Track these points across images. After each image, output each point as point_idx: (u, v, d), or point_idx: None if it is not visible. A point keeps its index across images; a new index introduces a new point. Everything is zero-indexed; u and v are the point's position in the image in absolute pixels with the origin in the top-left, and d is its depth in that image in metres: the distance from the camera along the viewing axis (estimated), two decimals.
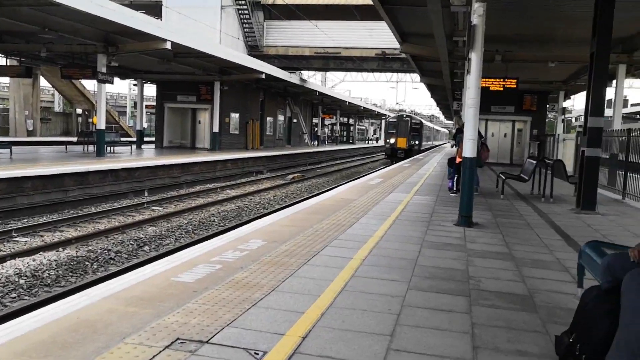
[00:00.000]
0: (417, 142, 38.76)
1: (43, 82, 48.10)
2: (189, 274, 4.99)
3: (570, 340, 3.23)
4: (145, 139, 36.37)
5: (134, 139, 32.92)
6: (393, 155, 37.90)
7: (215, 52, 24.12)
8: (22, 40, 20.90)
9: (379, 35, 34.33)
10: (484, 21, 8.31)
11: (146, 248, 11.41)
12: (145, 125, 46.28)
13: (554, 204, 12.37)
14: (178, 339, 3.45)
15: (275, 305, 4.21)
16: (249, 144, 36.02)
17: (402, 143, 38.06)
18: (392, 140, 38.42)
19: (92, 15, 16.59)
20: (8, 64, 22.52)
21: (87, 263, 9.84)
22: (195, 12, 32.48)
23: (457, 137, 13.96)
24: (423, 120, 44.50)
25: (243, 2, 35.07)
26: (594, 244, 4.36)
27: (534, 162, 13.58)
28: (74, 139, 27.00)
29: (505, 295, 4.86)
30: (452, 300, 4.61)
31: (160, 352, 3.24)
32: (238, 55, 27.62)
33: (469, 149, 8.50)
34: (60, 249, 10.65)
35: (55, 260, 9.70)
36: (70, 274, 9.19)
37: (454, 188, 13.45)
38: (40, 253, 10.10)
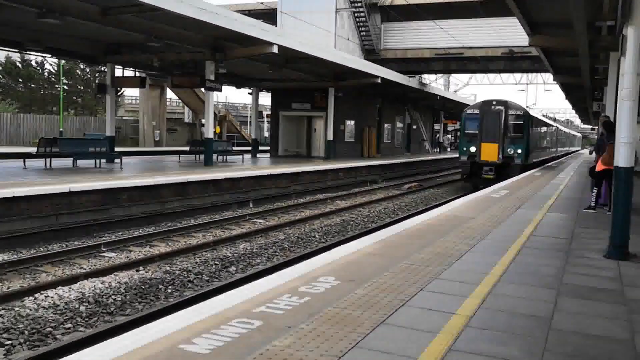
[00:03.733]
0: (519, 151, 22.91)
1: (170, 94, 50.20)
2: (208, 337, 3.51)
3: None
4: (263, 147, 36.27)
5: (249, 148, 32.73)
6: (474, 175, 23.32)
7: (325, 56, 22.95)
8: (137, 51, 21.04)
9: (505, 33, 31.45)
10: None
11: (232, 269, 10.25)
12: (266, 134, 46.59)
13: None
14: None
15: None
16: (365, 152, 34.55)
17: (490, 153, 22.82)
18: (472, 149, 23.16)
19: (195, 20, 16.00)
20: (125, 76, 22.90)
21: (161, 286, 8.79)
22: (310, 17, 31.67)
23: (598, 140, 11.46)
24: (531, 112, 27.12)
25: (359, 4, 33.75)
26: None
27: None
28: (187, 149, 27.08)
29: None
30: None
31: None
32: (351, 58, 26.29)
33: (623, 156, 6.33)
34: (141, 268, 9.76)
35: (125, 283, 8.75)
36: (139, 299, 8.17)
37: (595, 203, 10.98)
38: (115, 273, 9.24)
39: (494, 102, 23.32)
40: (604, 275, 5.64)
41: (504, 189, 14.94)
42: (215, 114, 49.87)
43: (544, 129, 32.34)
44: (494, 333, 3.82)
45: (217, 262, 10.48)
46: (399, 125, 41.68)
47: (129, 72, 23.56)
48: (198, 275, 9.62)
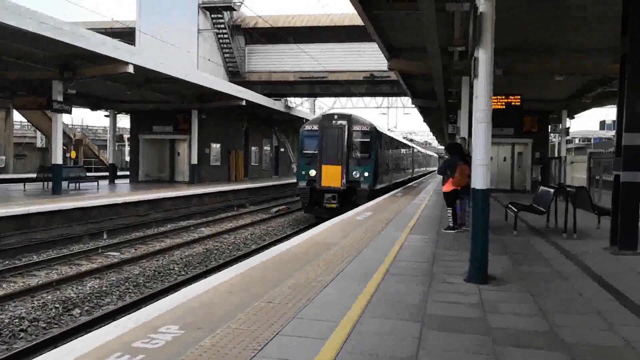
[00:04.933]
0: (366, 174, 19.71)
1: (20, 117, 46.07)
2: None
3: None
4: (125, 173, 34.20)
5: (107, 174, 30.65)
6: (316, 204, 19.83)
7: (187, 77, 22.07)
8: None
9: (367, 58, 32.44)
10: (494, 6, 6.22)
11: (76, 311, 9.10)
12: (127, 158, 44.13)
13: (579, 240, 10.16)
14: None
15: None
16: (232, 176, 33.81)
17: (332, 178, 19.43)
18: (311, 173, 19.66)
19: (35, 35, 14.53)
20: None
21: None
22: (171, 36, 30.54)
23: (446, 161, 11.80)
24: (379, 128, 22.96)
25: (222, 25, 33.15)
26: None
27: (550, 189, 11.40)
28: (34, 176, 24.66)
29: None
30: None
31: None
32: (213, 80, 25.57)
33: (480, 178, 6.30)
34: None
35: None
36: None
37: (453, 223, 11.23)
38: None
39: (336, 117, 20.25)
40: (466, 302, 5.47)
41: (368, 210, 14.98)
42: (70, 137, 46.62)
43: (397, 148, 29.68)
44: None
45: (57, 305, 9.25)
46: (267, 148, 41.44)
47: None
48: (33, 322, 8.37)
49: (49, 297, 9.89)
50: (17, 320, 8.34)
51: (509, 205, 12.10)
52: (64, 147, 47.86)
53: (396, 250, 8.45)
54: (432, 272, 6.92)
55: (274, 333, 4.28)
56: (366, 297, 5.48)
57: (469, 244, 8.74)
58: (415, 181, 38.26)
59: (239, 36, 34.75)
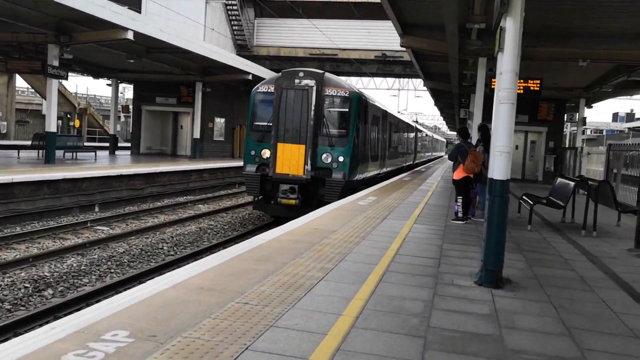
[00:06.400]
0: (341, 159, 14.25)
1: (21, 83, 45.32)
2: None
3: None
4: (128, 144, 33.44)
5: (107, 145, 29.91)
6: (270, 198, 14.55)
7: (190, 47, 21.15)
8: None
9: (379, 36, 31.38)
10: None
11: (49, 292, 8.36)
12: (131, 130, 43.45)
13: (599, 238, 9.32)
14: None
15: None
16: (236, 152, 32.99)
17: (291, 162, 14.15)
18: (264, 154, 14.46)
19: None
20: None
21: None
22: (177, 5, 29.53)
23: (457, 146, 10.93)
24: (365, 95, 16.85)
25: None
26: None
27: (570, 182, 10.51)
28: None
29: None
30: None
31: None
32: (219, 52, 24.62)
33: (500, 167, 5.45)
34: None
35: None
36: None
37: (462, 213, 10.39)
38: None
39: (301, 74, 14.21)
40: (477, 312, 4.66)
41: (371, 195, 14.15)
42: (74, 106, 45.89)
43: (391, 125, 22.84)
44: None
45: (29, 285, 8.52)
46: None
47: None
48: None
49: (22, 274, 9.17)
50: None
51: (524, 197, 11.24)
52: (68, 116, 47.37)
53: (399, 242, 7.63)
54: (438, 271, 6.10)
55: (242, 347, 3.48)
56: (360, 302, 4.68)
57: (479, 238, 7.97)
58: (416, 169, 32.01)
59: (248, 9, 33.71)
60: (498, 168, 5.47)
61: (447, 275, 5.94)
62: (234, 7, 32.55)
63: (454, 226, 9.78)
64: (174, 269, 7.87)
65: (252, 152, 14.58)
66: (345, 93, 14.49)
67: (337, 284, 5.23)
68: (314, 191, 14.17)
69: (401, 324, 4.20)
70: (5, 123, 38.99)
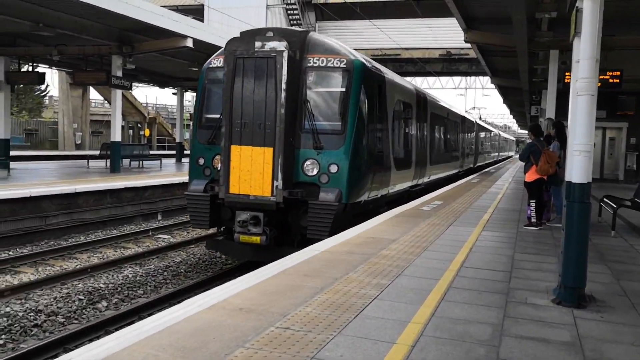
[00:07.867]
0: (337, 168, 8.77)
1: (95, 95, 47.11)
2: None
3: None
4: None
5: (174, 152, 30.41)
6: (227, 231, 9.66)
7: None
8: (33, 43, 18.54)
9: (442, 34, 30.38)
10: None
11: (103, 304, 8.20)
12: None
13: None
14: None
15: None
16: None
17: (252, 175, 8.66)
18: (215, 164, 9.33)
19: (91, 6, 13.87)
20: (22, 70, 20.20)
21: None
22: (238, 13, 29.66)
23: (530, 145, 10.02)
24: (374, 68, 10.62)
25: (292, 1, 31.99)
26: None
27: None
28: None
29: None
30: None
31: None
32: None
33: (579, 168, 4.73)
34: None
35: None
36: None
37: (536, 219, 9.52)
38: None
39: (270, 34, 8.95)
40: (557, 340, 3.99)
41: (437, 199, 13.43)
42: (144, 115, 47.25)
43: (436, 118, 17.03)
44: None
45: (82, 297, 8.40)
46: None
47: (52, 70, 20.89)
48: (50, 316, 7.53)
49: (80, 285, 9.11)
50: (32, 314, 7.52)
51: (605, 199, 10.25)
52: (139, 125, 48.82)
53: (465, 253, 6.96)
54: (509, 287, 5.42)
55: None
56: (418, 326, 4.11)
57: (555, 246, 7.18)
58: (473, 175, 25.26)
59: (309, 12, 33.54)
60: (577, 169, 4.76)
61: (520, 292, 5.26)
62: (295, 12, 32.44)
63: (527, 233, 8.97)
64: (230, 280, 7.51)
65: (201, 161, 9.64)
66: (341, 62, 9.08)
67: (393, 303, 4.68)
68: (293, 221, 9.08)
69: (464, 356, 3.60)
70: (80, 134, 40.50)
